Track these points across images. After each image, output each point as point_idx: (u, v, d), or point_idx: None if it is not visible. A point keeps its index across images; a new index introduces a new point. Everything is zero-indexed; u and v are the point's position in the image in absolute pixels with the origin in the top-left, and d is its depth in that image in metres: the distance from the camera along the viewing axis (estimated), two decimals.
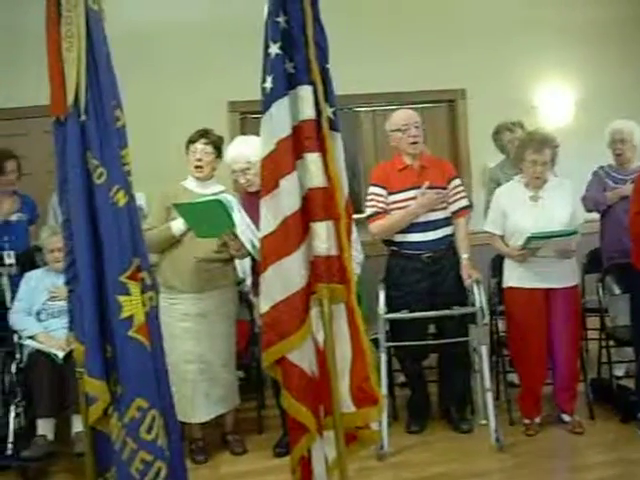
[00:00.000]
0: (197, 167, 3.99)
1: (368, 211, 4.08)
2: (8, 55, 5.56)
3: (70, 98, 2.35)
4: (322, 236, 2.62)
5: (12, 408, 4.05)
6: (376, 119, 6.05)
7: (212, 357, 4.01)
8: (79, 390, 2.69)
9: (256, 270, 4.02)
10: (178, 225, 3.86)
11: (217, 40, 5.75)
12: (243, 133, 4.71)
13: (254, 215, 3.73)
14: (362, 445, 2.93)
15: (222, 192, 3.95)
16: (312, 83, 2.63)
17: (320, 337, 2.74)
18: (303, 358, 2.71)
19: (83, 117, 2.34)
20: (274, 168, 2.63)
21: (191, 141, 4.01)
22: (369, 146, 6.16)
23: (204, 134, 4.01)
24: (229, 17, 5.75)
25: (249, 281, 4.39)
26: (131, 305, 2.33)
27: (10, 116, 5.67)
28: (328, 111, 2.68)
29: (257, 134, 4.03)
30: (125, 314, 2.33)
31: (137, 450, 2.38)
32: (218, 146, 4.04)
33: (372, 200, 4.12)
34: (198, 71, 5.70)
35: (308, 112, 2.61)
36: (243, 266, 4.36)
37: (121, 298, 2.33)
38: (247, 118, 5.84)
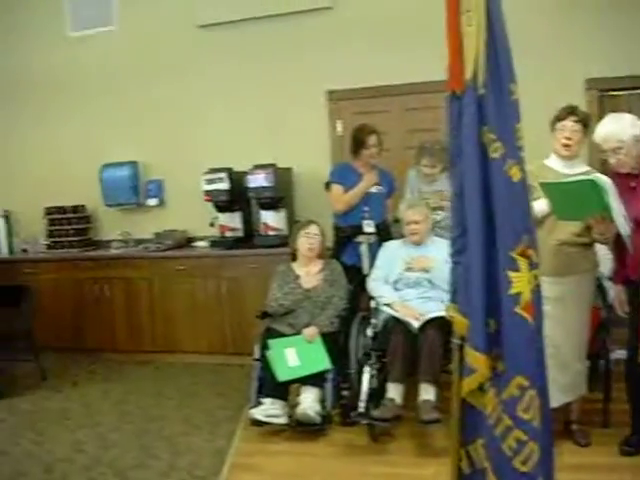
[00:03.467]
0: (565, 145, 3.84)
1: None
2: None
3: (468, 72, 2.36)
4: None
5: (366, 369, 4.25)
6: None
7: (563, 342, 3.87)
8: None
9: (617, 256, 3.85)
10: (541, 206, 3.74)
11: (578, 15, 5.51)
12: (601, 111, 4.45)
13: (623, 197, 3.57)
14: None
15: (588, 172, 3.78)
16: None
17: None
18: None
19: (481, 91, 2.34)
20: None
21: (559, 119, 3.85)
22: None
23: (572, 111, 3.83)
24: None
25: (603, 267, 4.19)
26: (519, 282, 2.30)
27: (374, 94, 5.93)
28: None
29: (616, 112, 3.87)
30: (514, 290, 2.30)
31: (512, 428, 2.35)
32: (586, 124, 3.84)
33: None
34: (554, 48, 5.50)
35: None
36: (599, 250, 4.17)
37: (511, 274, 2.30)
38: (605, 95, 5.52)
